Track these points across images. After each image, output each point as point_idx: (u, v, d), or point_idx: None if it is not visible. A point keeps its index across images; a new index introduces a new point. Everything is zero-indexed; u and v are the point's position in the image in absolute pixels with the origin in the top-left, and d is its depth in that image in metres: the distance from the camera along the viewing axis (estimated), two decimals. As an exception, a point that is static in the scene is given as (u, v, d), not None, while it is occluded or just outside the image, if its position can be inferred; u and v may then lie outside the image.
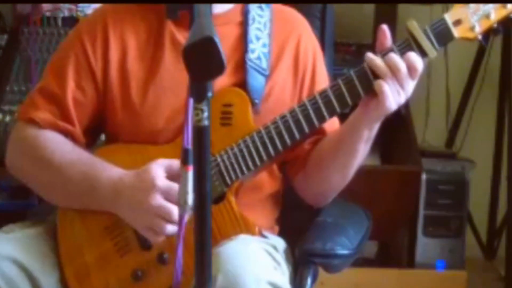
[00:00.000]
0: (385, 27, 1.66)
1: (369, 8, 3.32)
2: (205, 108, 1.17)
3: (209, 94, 1.17)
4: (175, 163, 1.62)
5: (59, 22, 2.74)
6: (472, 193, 3.21)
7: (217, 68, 1.14)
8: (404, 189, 3.07)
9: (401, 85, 1.62)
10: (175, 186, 1.61)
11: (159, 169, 1.64)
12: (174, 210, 1.60)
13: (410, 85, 1.63)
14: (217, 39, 1.13)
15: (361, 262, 3.15)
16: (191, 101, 1.18)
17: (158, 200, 1.62)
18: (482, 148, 3.49)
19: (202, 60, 1.13)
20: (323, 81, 1.84)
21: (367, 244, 3.12)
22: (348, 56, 3.08)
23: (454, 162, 3.24)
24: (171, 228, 1.62)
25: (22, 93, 2.59)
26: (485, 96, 3.49)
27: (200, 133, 1.18)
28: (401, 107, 1.65)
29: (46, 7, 2.76)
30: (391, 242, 3.25)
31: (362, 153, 1.73)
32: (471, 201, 3.21)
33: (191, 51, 1.14)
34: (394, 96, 1.62)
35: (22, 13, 2.77)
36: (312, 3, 2.13)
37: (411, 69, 1.62)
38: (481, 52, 3.38)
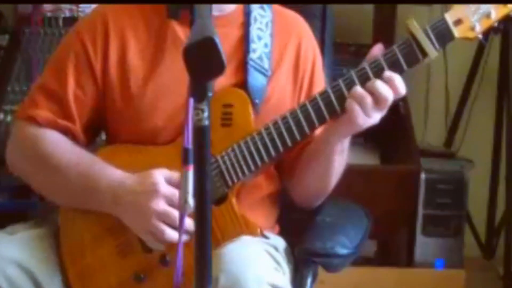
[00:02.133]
0: (381, 47, 1.66)
1: (369, 8, 3.32)
2: (205, 108, 1.18)
3: (209, 94, 1.17)
4: (176, 175, 1.62)
5: (60, 22, 2.74)
6: (471, 193, 3.20)
7: (217, 68, 1.15)
8: (403, 188, 3.07)
9: (367, 114, 1.62)
10: (177, 193, 1.61)
11: (160, 176, 1.64)
12: (177, 216, 1.59)
13: (377, 115, 1.63)
14: (217, 39, 1.13)
15: (361, 261, 3.15)
16: (191, 101, 1.18)
17: (162, 205, 1.62)
18: (480, 147, 3.48)
19: (202, 60, 1.14)
20: (320, 86, 1.84)
21: (367, 243, 3.11)
22: (348, 56, 3.08)
23: (453, 162, 3.23)
24: (172, 234, 1.62)
25: (23, 93, 2.59)
26: (483, 96, 3.49)
27: (200, 132, 1.19)
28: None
29: (47, 7, 2.76)
30: (390, 241, 3.25)
31: (338, 163, 1.74)
32: (469, 201, 3.20)
33: (191, 51, 1.14)
34: (363, 117, 1.62)
35: (23, 13, 2.78)
36: (312, 3, 2.13)
37: (379, 100, 1.61)
38: (480, 52, 3.37)
